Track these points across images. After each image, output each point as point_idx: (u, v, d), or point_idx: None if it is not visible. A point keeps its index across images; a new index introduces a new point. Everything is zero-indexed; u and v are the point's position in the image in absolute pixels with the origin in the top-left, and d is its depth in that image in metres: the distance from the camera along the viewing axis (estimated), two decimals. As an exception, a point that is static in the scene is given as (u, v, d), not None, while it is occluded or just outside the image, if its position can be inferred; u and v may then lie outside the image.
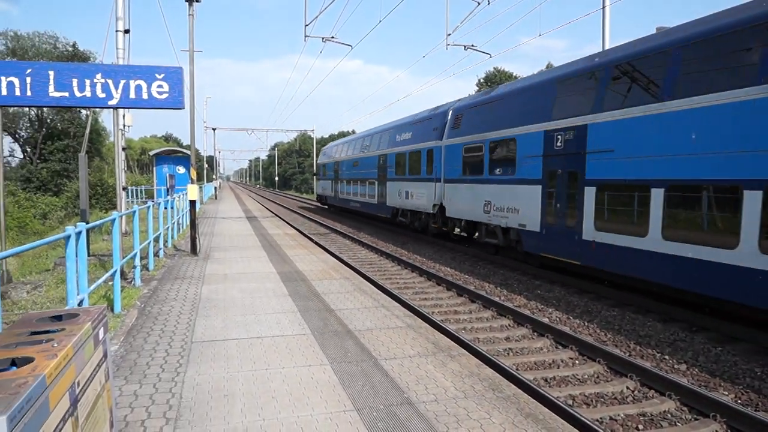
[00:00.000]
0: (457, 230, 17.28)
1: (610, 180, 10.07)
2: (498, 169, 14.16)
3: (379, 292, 9.45)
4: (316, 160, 38.35)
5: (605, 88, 10.29)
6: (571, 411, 5.49)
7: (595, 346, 7.63)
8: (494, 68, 52.70)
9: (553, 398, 5.82)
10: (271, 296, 9.07)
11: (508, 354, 7.77)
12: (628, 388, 6.60)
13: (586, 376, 6.91)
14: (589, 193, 10.57)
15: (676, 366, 7.32)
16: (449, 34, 19.44)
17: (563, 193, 11.44)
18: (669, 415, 5.98)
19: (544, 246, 12.18)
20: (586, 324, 9.09)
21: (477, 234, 15.82)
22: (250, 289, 9.57)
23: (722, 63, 8.13)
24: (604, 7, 14.52)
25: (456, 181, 16.27)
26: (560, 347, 8.11)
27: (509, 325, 9.15)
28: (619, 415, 5.88)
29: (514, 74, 51.58)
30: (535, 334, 8.74)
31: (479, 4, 17.35)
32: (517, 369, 7.03)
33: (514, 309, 9.58)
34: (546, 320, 9.19)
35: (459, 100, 17.28)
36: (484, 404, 4.80)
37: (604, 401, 6.24)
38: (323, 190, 34.76)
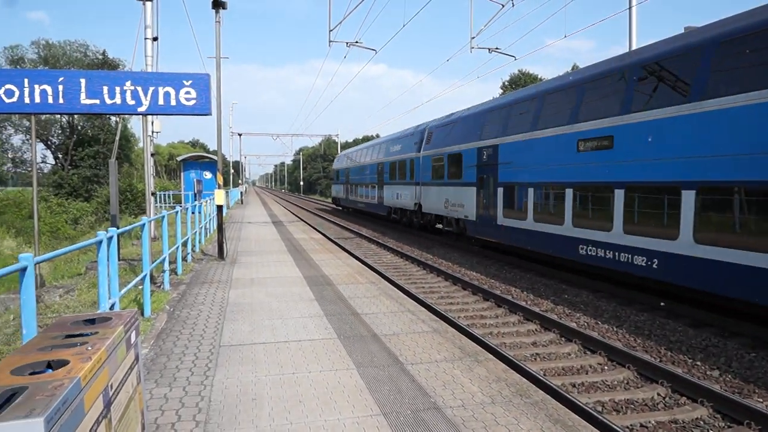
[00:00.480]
0: (439, 226, 21.66)
1: (510, 182, 14.83)
2: (452, 175, 18.89)
3: (405, 296, 9.50)
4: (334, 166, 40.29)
5: (508, 119, 15.05)
6: (601, 418, 5.41)
7: (625, 352, 7.58)
8: (519, 71, 52.16)
9: (582, 404, 5.74)
10: (298, 300, 9.07)
11: (535, 359, 7.70)
12: (659, 394, 6.53)
13: (615, 382, 6.84)
14: (500, 192, 15.37)
15: (708, 372, 7.26)
16: (473, 37, 19.35)
17: (488, 193, 16.22)
18: (701, 423, 5.89)
19: (478, 231, 16.91)
20: (615, 329, 9.03)
21: (442, 224, 20.64)
22: (276, 294, 9.61)
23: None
24: (630, 8, 14.33)
25: (428, 184, 21.05)
26: (588, 352, 8.02)
27: (536, 330, 9.09)
28: (649, 422, 5.78)
29: (539, 76, 51.01)
30: (563, 339, 8.67)
31: (503, 6, 17.24)
32: (544, 374, 6.97)
33: (540, 314, 9.52)
34: (573, 325, 9.13)
35: (433, 120, 22.10)
36: (512, 410, 4.77)
37: (635, 408, 6.17)
38: (336, 193, 39.38)
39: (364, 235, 22.93)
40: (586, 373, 7.11)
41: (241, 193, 52.31)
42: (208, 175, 34.67)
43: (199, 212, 17.72)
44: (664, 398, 6.33)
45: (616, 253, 10.49)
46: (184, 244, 13.51)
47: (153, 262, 9.31)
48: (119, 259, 10.78)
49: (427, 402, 4.82)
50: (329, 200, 67.74)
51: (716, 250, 8.24)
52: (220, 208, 14.48)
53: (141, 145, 55.72)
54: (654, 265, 9.59)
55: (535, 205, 13.40)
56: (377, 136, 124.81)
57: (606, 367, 7.37)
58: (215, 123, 13.99)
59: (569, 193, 11.98)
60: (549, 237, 12.87)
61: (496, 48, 20.57)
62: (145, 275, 8.13)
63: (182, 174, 34.77)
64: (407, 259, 16.40)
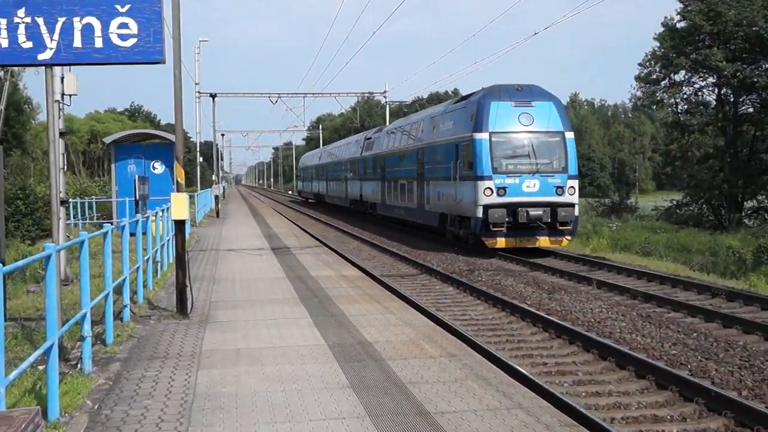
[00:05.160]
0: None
1: (389, 177, 34.59)
2: (369, 172, 38.65)
3: (513, 380, 7.78)
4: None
5: (391, 140, 35.56)
6: None
7: None
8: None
9: None
10: (320, 389, 7.34)
11: None
12: None
13: None
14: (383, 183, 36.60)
15: None
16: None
17: (388, 185, 34.50)
18: None
19: (382, 211, 35.42)
20: None
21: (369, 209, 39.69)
22: (281, 376, 7.87)
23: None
24: None
25: (364, 180, 40.94)
26: None
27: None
28: None
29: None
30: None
31: None
32: None
33: None
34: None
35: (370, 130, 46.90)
36: None
37: None
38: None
39: (435, 268, 19.34)
40: None
41: (217, 197, 43.96)
42: (158, 167, 27.88)
43: (144, 233, 14.41)
44: None
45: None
46: (119, 291, 11.36)
47: (64, 324, 7.74)
48: (5, 319, 9.49)
49: None
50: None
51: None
52: (180, 225, 11.81)
53: (43, 118, 47.38)
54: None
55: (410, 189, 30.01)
56: (455, 92, 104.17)
57: None
58: (171, 78, 8.90)
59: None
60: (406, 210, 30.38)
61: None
62: (51, 347, 6.60)
63: (114, 167, 28.33)
64: (508, 310, 13.68)
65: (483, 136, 21.50)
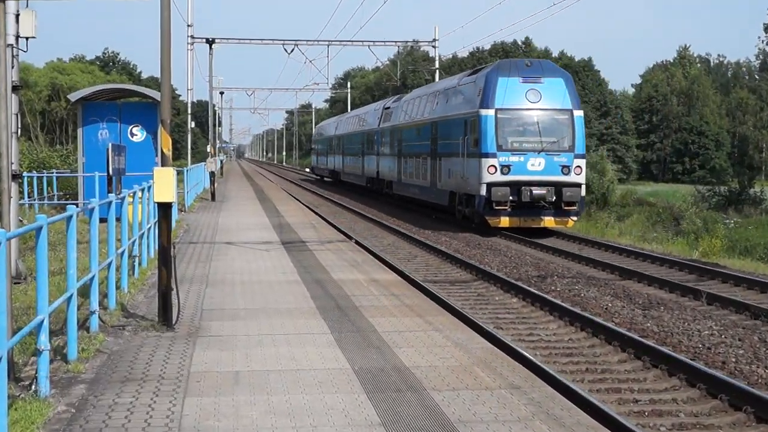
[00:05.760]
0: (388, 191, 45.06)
1: (406, 152, 40.94)
2: (386, 147, 44.57)
3: (594, 421, 7.63)
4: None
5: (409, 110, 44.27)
6: None
7: None
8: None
9: None
10: (342, 427, 7.32)
11: None
12: None
13: None
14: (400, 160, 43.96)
15: None
16: None
17: (404, 161, 40.34)
18: None
19: (398, 190, 42.38)
20: None
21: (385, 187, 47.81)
22: (292, 409, 7.86)
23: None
24: None
25: (381, 155, 47.48)
26: None
27: None
28: None
29: None
30: None
31: None
32: None
33: None
34: None
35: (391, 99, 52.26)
36: None
37: None
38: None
39: (494, 273, 19.54)
40: None
41: (213, 173, 43.18)
42: (138, 134, 28.32)
43: (118, 219, 14.57)
44: None
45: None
46: (85, 293, 11.49)
47: (14, 334, 7.76)
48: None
49: None
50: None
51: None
52: (165, 209, 11.88)
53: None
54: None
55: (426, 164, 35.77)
56: (525, 44, 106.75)
57: None
58: (158, 18, 9.12)
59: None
60: (423, 189, 36.44)
61: None
62: (-2, 361, 7.68)
63: (80, 132, 28.67)
64: (596, 334, 13.55)
65: (489, 112, 26.26)
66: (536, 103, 26.45)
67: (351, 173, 57.21)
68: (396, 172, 40.71)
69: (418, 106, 37.79)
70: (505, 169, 25.87)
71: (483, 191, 26.19)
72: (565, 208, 26.53)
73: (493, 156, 25.98)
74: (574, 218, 28.01)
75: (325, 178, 75.10)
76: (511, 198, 26.01)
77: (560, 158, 26.31)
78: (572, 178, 26.38)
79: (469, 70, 36.03)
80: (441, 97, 33.59)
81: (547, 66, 28.99)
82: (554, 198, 26.28)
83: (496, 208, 26.16)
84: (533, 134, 26.29)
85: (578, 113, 27.17)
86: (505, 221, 26.51)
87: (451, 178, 30.47)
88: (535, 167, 26.12)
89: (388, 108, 45.07)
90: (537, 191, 25.68)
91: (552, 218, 26.90)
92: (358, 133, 53.62)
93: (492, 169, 25.88)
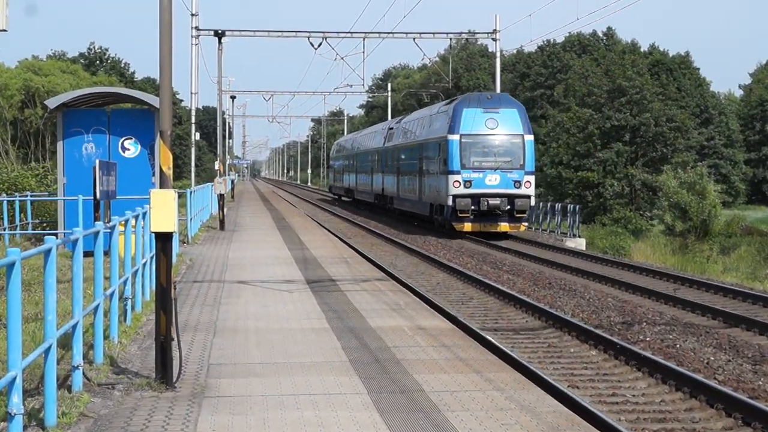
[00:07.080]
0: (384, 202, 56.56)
1: (403, 170, 50.70)
2: (389, 165, 52.65)
3: None
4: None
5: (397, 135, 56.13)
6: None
7: None
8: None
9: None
10: None
11: None
12: None
13: None
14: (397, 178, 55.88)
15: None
16: None
17: (401, 178, 49.37)
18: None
19: (398, 204, 50.33)
20: None
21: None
22: None
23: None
24: None
25: (385, 173, 55.34)
26: None
27: None
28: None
29: None
30: None
31: None
32: None
33: None
34: None
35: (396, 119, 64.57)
36: None
37: None
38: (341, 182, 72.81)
39: (568, 318, 17.90)
40: None
41: (221, 197, 39.14)
42: (130, 148, 26.20)
43: (108, 252, 13.08)
44: None
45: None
46: (66, 344, 10.63)
47: None
48: None
49: None
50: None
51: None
52: (165, 241, 10.61)
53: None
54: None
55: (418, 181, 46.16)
56: (607, 36, 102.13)
57: None
58: (157, 6, 7.58)
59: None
60: (415, 203, 46.21)
61: None
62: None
63: (61, 146, 26.56)
64: (694, 394, 12.19)
65: (455, 137, 35.06)
66: (494, 129, 35.37)
67: (363, 191, 64.63)
68: (395, 188, 49.67)
69: (412, 128, 47.33)
70: (468, 183, 34.46)
71: (450, 202, 35.09)
72: (517, 215, 35.23)
73: (458, 173, 34.65)
74: (525, 224, 37.25)
75: (343, 197, 71.95)
76: (472, 207, 34.62)
77: (512, 174, 34.81)
78: (523, 190, 34.79)
79: (446, 101, 45.20)
80: (427, 121, 42.81)
81: (504, 99, 38.90)
82: (508, 207, 34.83)
83: (461, 215, 34.95)
84: (491, 155, 35.35)
85: (529, 137, 36.09)
86: (468, 226, 35.13)
87: (430, 191, 39.42)
88: (492, 182, 34.61)
89: (392, 128, 53.90)
90: (493, 201, 34.24)
91: (507, 224, 35.61)
92: (369, 151, 61.74)
93: (457, 184, 34.52)
